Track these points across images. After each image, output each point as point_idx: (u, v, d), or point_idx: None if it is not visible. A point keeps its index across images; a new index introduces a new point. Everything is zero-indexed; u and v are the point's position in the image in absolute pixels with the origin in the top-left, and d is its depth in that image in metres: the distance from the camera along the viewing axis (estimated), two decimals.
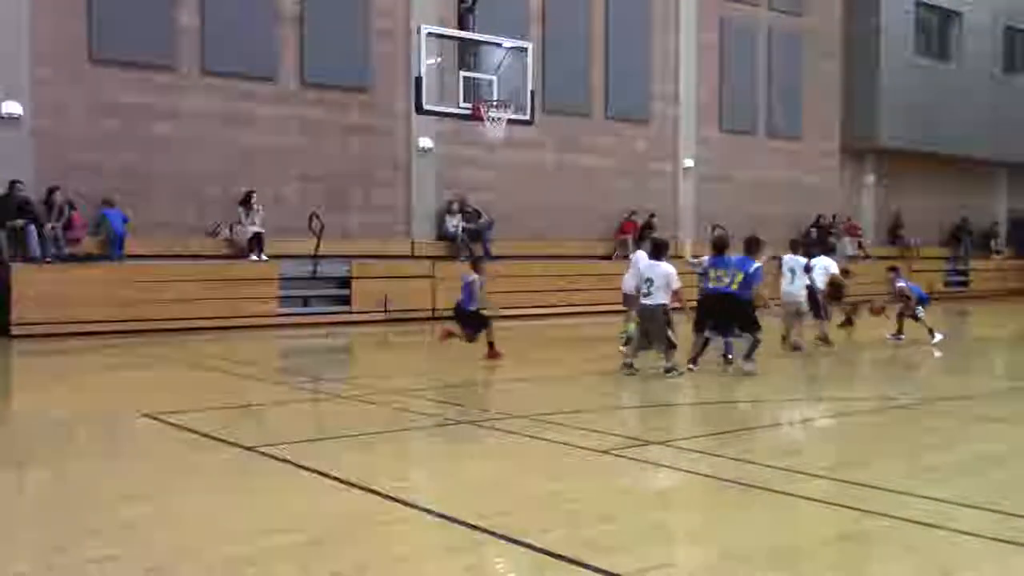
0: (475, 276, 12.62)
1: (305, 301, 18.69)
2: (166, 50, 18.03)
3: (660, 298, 10.93)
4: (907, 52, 29.67)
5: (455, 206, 21.01)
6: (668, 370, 10.83)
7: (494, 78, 16.09)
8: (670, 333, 10.94)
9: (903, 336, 14.99)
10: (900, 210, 30.40)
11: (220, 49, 18.46)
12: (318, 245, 18.51)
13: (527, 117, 16.72)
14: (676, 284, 10.99)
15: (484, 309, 12.55)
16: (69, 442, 7.45)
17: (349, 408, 9.18)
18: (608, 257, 23.05)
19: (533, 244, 21.96)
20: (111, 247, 16.80)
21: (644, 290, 11.11)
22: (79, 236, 16.78)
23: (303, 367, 12.95)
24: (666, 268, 11.05)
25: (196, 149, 18.36)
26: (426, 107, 15.70)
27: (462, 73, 15.95)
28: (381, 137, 20.60)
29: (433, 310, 19.23)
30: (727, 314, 11.21)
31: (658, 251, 11.74)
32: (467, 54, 16.05)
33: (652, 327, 11.00)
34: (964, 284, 30.98)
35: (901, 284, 15.29)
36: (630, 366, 11.07)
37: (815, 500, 5.51)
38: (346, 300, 18.80)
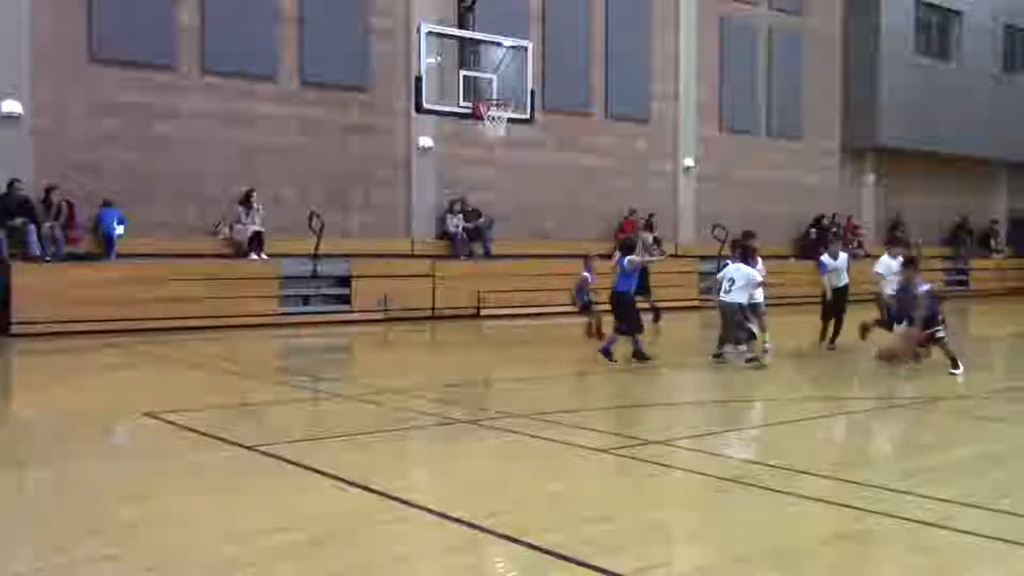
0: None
1: (305, 300, 18.70)
2: (166, 50, 18.03)
3: (738, 296, 11.71)
4: (907, 52, 29.66)
5: (456, 206, 21.01)
6: (749, 360, 11.66)
7: (494, 77, 16.10)
8: (750, 326, 11.93)
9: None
10: (900, 210, 30.41)
11: (220, 49, 18.46)
12: (318, 244, 18.50)
13: (527, 117, 16.74)
14: (759, 279, 11.99)
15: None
16: (69, 442, 7.45)
17: (349, 408, 9.18)
18: (608, 256, 23.01)
19: (533, 244, 21.96)
20: (105, 247, 16.83)
21: (725, 288, 11.82)
22: (78, 235, 16.79)
23: (303, 367, 12.95)
24: (748, 270, 11.85)
25: (196, 149, 18.36)
26: (426, 106, 15.72)
27: (462, 72, 15.96)
28: (381, 137, 20.60)
29: (433, 309, 19.24)
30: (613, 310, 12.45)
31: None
32: (467, 53, 16.06)
33: (728, 322, 11.83)
34: (964, 284, 30.99)
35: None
36: (719, 356, 12.10)
37: (815, 500, 5.51)
38: (346, 299, 18.80)
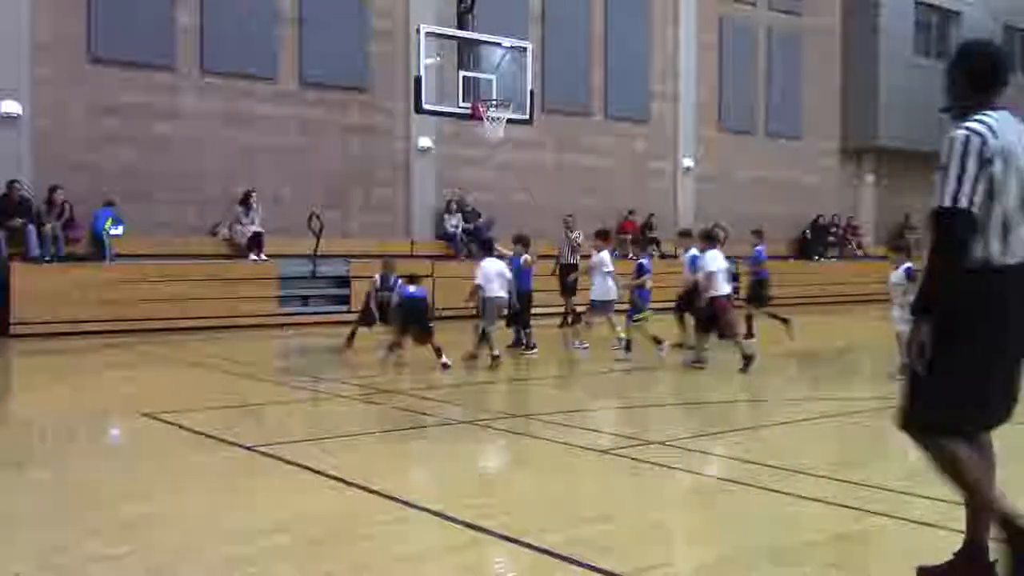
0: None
1: (305, 301, 18.70)
2: (166, 50, 18.04)
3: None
4: (907, 52, 29.68)
5: (454, 206, 21.01)
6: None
7: (493, 78, 16.10)
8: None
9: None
10: (900, 210, 30.38)
11: (220, 49, 18.47)
12: (317, 244, 18.51)
13: (527, 117, 16.73)
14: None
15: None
16: (69, 442, 7.45)
17: (349, 408, 9.19)
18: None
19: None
20: (100, 248, 16.85)
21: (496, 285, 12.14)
22: (79, 236, 16.79)
23: (303, 367, 12.94)
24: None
25: (196, 149, 18.36)
26: (425, 107, 15.72)
27: (461, 73, 15.96)
28: (381, 137, 20.60)
29: (432, 310, 19.21)
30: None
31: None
32: (466, 54, 16.06)
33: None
34: None
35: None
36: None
37: (815, 500, 5.51)
38: (345, 300, 18.78)
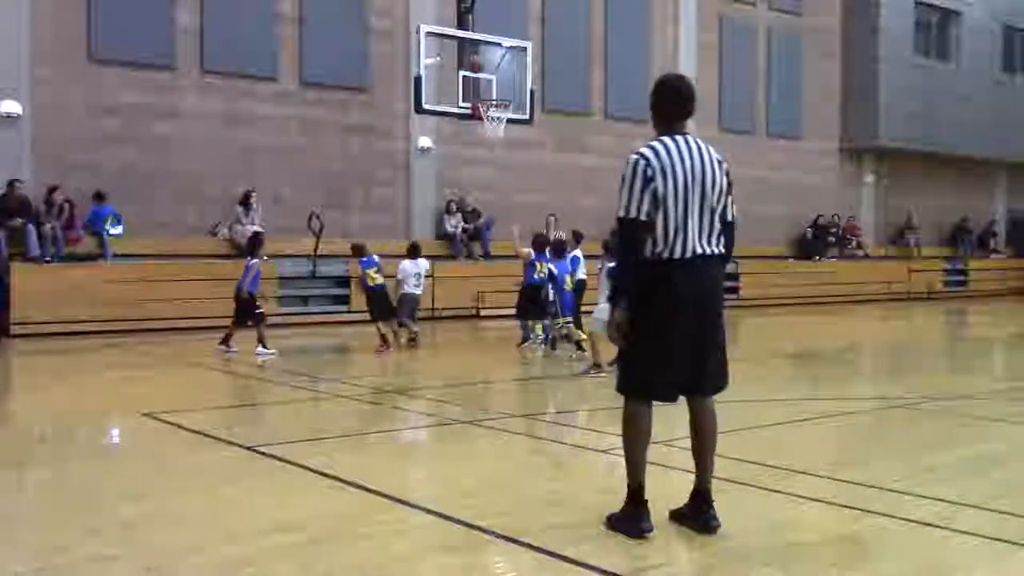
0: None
1: (304, 301, 18.69)
2: (166, 50, 18.04)
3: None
4: (907, 52, 29.68)
5: (453, 205, 21.01)
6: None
7: (493, 78, 16.09)
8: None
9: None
10: (911, 211, 30.37)
11: (220, 49, 18.47)
12: (317, 244, 18.50)
13: (527, 117, 16.73)
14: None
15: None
16: (69, 442, 7.45)
17: (349, 408, 9.18)
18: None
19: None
20: (101, 246, 16.84)
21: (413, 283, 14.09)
22: (79, 236, 16.79)
23: (303, 367, 12.94)
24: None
25: (196, 149, 18.36)
26: (425, 107, 15.71)
27: (461, 73, 15.95)
28: (381, 137, 20.61)
29: (432, 310, 19.21)
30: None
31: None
32: (466, 54, 16.05)
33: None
34: (963, 284, 31.00)
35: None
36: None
37: (815, 500, 5.50)
38: (345, 300, 18.80)
